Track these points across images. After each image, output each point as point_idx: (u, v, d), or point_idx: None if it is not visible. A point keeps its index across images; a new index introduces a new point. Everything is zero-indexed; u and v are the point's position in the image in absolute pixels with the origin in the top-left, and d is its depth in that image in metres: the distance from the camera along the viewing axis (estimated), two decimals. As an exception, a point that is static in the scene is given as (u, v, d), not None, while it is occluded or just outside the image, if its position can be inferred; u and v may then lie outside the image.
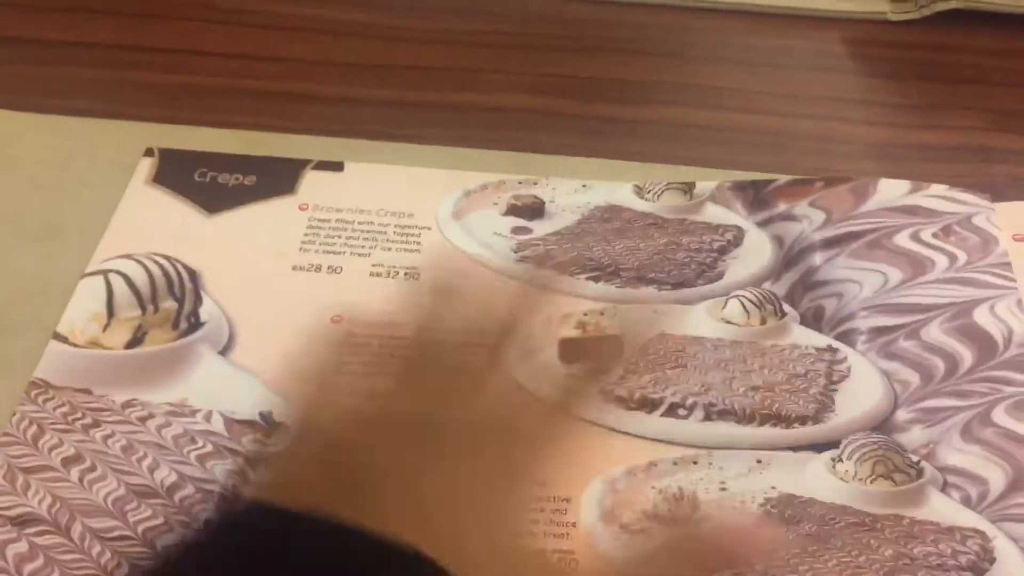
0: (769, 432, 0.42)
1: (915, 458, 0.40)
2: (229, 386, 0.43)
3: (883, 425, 0.42)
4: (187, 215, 0.49)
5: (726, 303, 0.46)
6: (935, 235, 0.48)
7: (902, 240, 0.48)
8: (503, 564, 0.30)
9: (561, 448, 0.40)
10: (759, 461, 0.41)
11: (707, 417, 0.42)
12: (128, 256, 0.47)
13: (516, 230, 0.50)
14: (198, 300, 0.46)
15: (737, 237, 0.49)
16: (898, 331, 0.45)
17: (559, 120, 0.55)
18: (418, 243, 0.49)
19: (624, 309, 0.47)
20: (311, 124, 0.54)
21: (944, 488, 0.40)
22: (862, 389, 0.43)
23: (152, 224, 0.49)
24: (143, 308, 0.45)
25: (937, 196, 0.49)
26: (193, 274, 0.46)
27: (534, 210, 0.50)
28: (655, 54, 0.59)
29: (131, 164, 0.51)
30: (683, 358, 0.45)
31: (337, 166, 0.52)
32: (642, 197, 0.51)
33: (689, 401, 0.43)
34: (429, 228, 0.49)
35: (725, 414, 0.43)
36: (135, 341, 0.44)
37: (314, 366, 0.35)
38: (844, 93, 0.57)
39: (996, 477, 0.39)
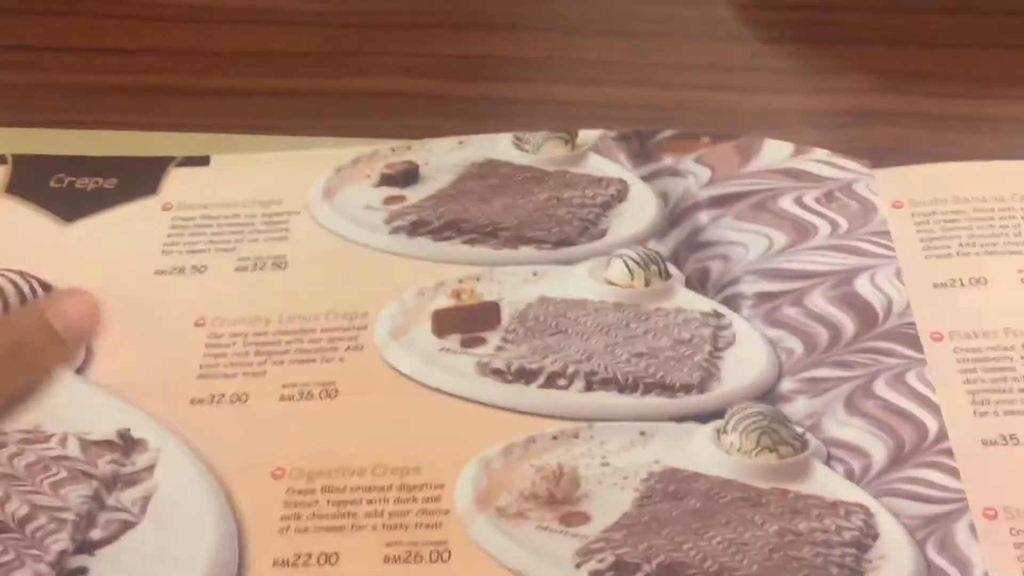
0: (653, 402, 0.40)
1: (800, 430, 0.39)
2: (85, 406, 0.41)
3: (768, 395, 0.40)
4: (42, 225, 0.47)
5: (609, 263, 0.44)
6: (817, 200, 0.47)
7: (786, 203, 0.47)
8: None
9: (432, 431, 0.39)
10: (642, 433, 0.39)
11: (588, 387, 0.40)
12: None
13: (389, 200, 0.47)
14: None
15: (621, 191, 0.47)
16: (782, 297, 0.43)
17: (440, 103, 0.53)
18: (287, 230, 0.46)
19: (501, 272, 0.44)
20: (178, 120, 0.52)
21: (828, 461, 0.39)
22: (748, 357, 0.42)
23: (6, 238, 0.47)
24: None
25: (819, 161, 0.48)
26: (48, 288, 0.44)
27: (408, 176, 0.48)
28: (539, 29, 0.58)
29: None
30: (564, 323, 0.42)
31: (203, 160, 0.49)
32: (521, 149, 0.49)
33: (569, 370, 0.41)
34: (298, 212, 0.47)
35: (607, 383, 0.40)
36: None
37: None
38: (729, 61, 0.56)
39: (878, 450, 0.39)
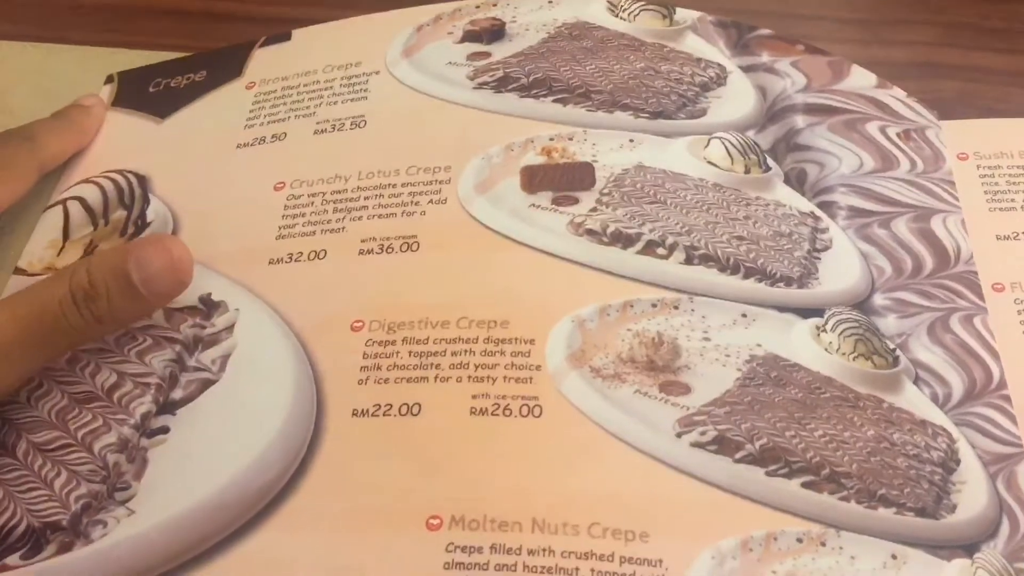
0: (754, 286, 0.40)
1: (891, 345, 0.40)
2: None
3: (862, 305, 0.41)
4: (141, 127, 0.49)
5: (709, 143, 0.44)
6: (898, 135, 0.47)
7: (873, 130, 0.47)
8: None
9: (521, 286, 0.38)
10: (744, 315, 0.39)
11: (688, 260, 0.40)
12: (85, 180, 0.47)
13: (473, 56, 0.47)
14: (146, 203, 0.45)
15: (720, 76, 0.47)
16: (873, 217, 0.44)
17: None
18: (366, 90, 0.47)
19: (595, 135, 0.44)
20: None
21: (916, 382, 0.39)
22: (844, 263, 0.42)
23: (111, 145, 0.49)
24: (95, 224, 0.45)
25: (898, 99, 0.49)
26: (142, 179, 0.46)
27: (493, 33, 0.48)
28: None
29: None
30: (662, 194, 0.42)
31: (285, 37, 0.51)
32: (616, 16, 0.48)
33: (669, 240, 0.40)
34: (377, 72, 0.48)
35: (708, 260, 0.40)
36: (86, 256, 0.44)
37: None
38: (796, 8, 0.56)
39: (956, 382, 0.39)
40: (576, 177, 0.42)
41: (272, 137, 0.46)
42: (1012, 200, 0.45)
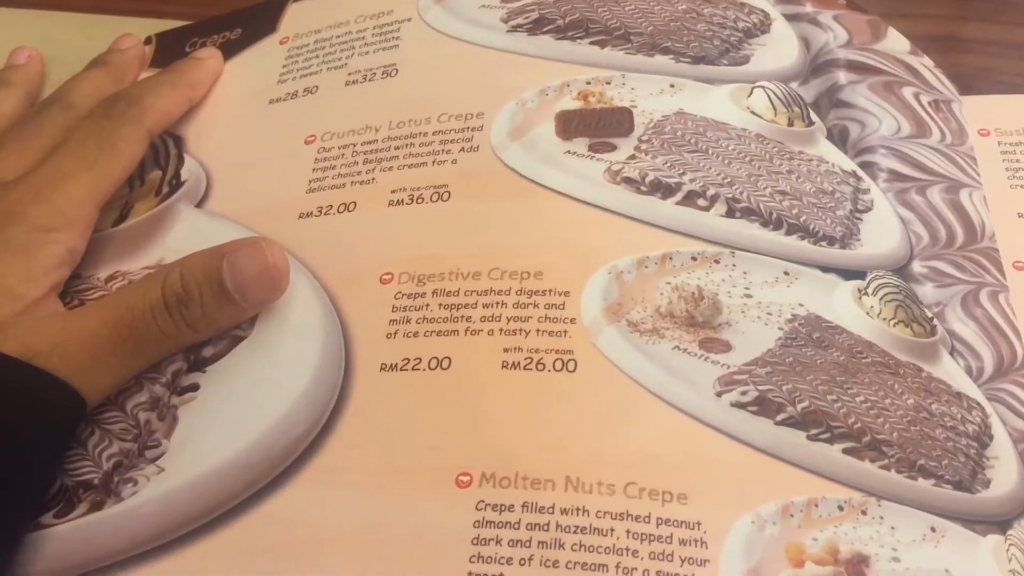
0: (797, 244, 0.39)
1: (929, 314, 0.39)
2: (202, 235, 0.41)
3: (901, 271, 0.40)
4: None
5: (752, 92, 0.43)
6: (930, 104, 0.46)
7: (908, 95, 0.46)
8: None
9: (555, 236, 0.37)
10: (787, 273, 0.38)
11: (730, 212, 0.39)
12: None
13: None
14: (180, 162, 0.45)
15: (764, 22, 0.46)
16: (911, 183, 0.43)
17: None
18: (397, 38, 0.46)
19: (634, 79, 0.42)
20: None
21: (952, 353, 0.38)
22: (884, 227, 0.41)
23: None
24: (131, 186, 0.44)
25: (928, 68, 0.48)
26: (177, 139, 0.46)
27: None
28: None
29: None
30: (703, 143, 0.41)
31: None
32: (656, -45, 0.46)
33: (710, 192, 0.39)
34: (409, 19, 0.47)
35: (750, 213, 0.39)
36: (120, 218, 0.43)
37: None
38: None
39: (988, 356, 0.38)
40: (614, 123, 0.40)
41: (304, 91, 0.45)
42: None
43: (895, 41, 0.48)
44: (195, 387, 0.37)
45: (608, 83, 0.42)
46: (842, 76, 0.45)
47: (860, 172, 0.42)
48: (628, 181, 0.39)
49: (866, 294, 0.38)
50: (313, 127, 0.44)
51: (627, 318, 0.35)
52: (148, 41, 0.51)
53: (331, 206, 0.40)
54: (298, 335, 0.37)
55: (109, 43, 0.50)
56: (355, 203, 0.40)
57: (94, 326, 0.35)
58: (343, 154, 0.42)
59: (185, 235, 0.42)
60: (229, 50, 0.49)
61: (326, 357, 0.36)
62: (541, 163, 0.39)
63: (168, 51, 0.50)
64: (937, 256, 0.41)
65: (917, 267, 0.40)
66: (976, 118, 0.46)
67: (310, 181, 0.42)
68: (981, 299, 0.40)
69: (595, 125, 0.40)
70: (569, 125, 0.41)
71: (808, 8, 0.47)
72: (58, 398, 0.34)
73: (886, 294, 0.38)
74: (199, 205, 0.43)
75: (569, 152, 0.40)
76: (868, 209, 0.41)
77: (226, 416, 0.36)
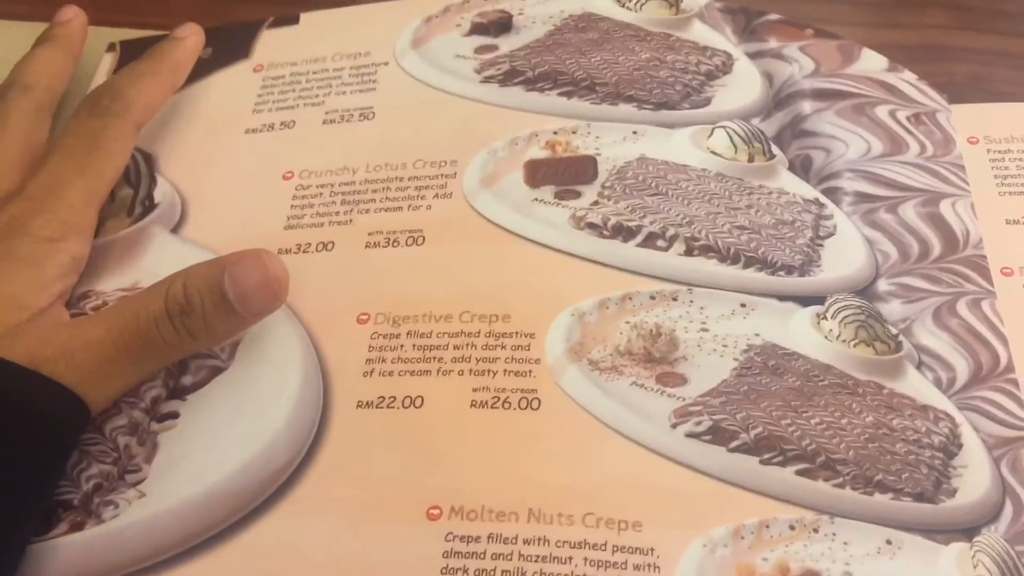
0: (754, 276, 0.40)
1: (894, 331, 0.40)
2: (178, 262, 0.41)
3: (866, 291, 0.41)
4: None
5: (712, 132, 0.44)
6: (908, 119, 0.47)
7: (882, 114, 0.47)
8: None
9: (522, 280, 0.39)
10: (743, 305, 0.39)
11: (688, 251, 0.40)
12: None
13: (480, 49, 0.48)
14: (152, 183, 0.45)
15: (726, 63, 0.47)
16: (879, 202, 0.44)
17: None
18: (374, 81, 0.47)
19: (599, 128, 0.44)
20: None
21: (919, 367, 0.39)
22: (847, 250, 0.42)
23: None
24: None
25: (909, 82, 0.49)
26: (148, 157, 0.46)
27: (501, 25, 0.48)
28: None
29: (94, 68, 0.51)
30: (664, 185, 0.42)
31: (293, 19, 0.51)
32: (623, 6, 0.49)
33: (669, 232, 0.41)
34: (386, 63, 0.48)
35: (708, 250, 0.41)
36: None
37: None
38: None
39: (961, 366, 0.39)
40: (578, 170, 0.42)
41: (281, 124, 0.46)
42: (1022, 184, 0.45)
43: (870, 62, 0.49)
44: (175, 415, 0.38)
45: (574, 132, 0.44)
46: (807, 106, 0.46)
47: (823, 199, 0.43)
48: (591, 226, 0.41)
49: (825, 318, 0.39)
50: (291, 163, 0.45)
51: (588, 357, 0.37)
52: (111, 48, 0.51)
53: (309, 244, 0.42)
54: (278, 369, 0.38)
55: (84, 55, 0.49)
56: (333, 243, 0.42)
57: (100, 334, 0.36)
58: (321, 193, 0.43)
59: (161, 260, 0.42)
60: (201, 70, 0.49)
61: (305, 393, 0.38)
62: (510, 210, 0.41)
63: (132, 60, 0.50)
64: (907, 272, 0.42)
65: (883, 285, 0.41)
66: (965, 126, 0.47)
67: (288, 218, 0.43)
68: (958, 308, 0.41)
69: (561, 173, 0.42)
70: (536, 174, 0.42)
71: (772, 44, 0.48)
72: (64, 406, 0.35)
73: (846, 316, 0.40)
74: (174, 231, 0.44)
75: (537, 200, 0.42)
76: (830, 234, 0.42)
77: (207, 445, 0.37)
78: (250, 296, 0.37)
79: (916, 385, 0.38)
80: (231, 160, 0.46)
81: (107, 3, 0.54)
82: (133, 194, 0.45)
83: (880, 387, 0.38)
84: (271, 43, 0.50)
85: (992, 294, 0.41)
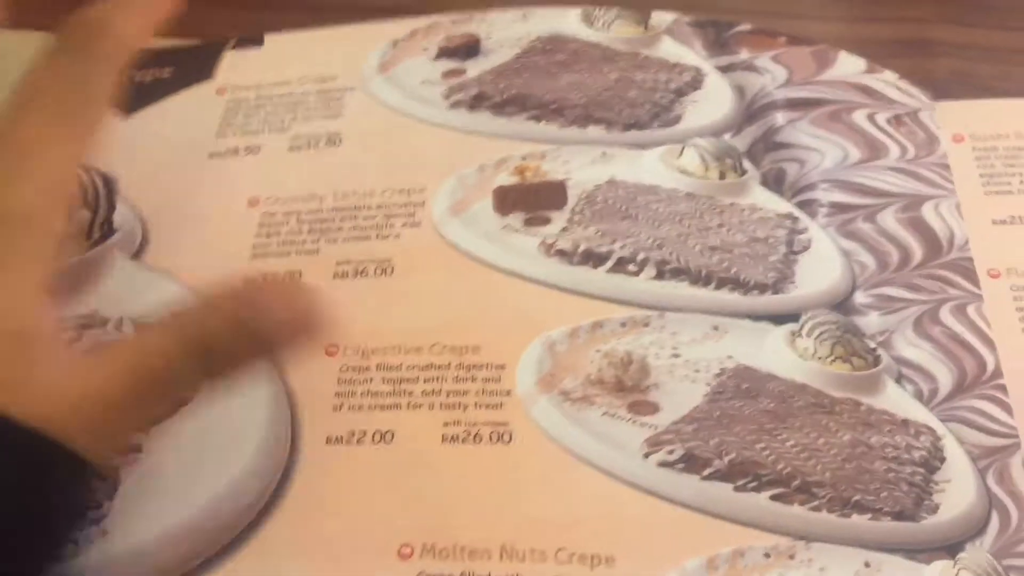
0: (726, 297, 0.39)
1: (872, 344, 0.39)
2: (140, 290, 0.41)
3: (842, 305, 0.40)
4: None
5: (682, 151, 0.43)
6: (889, 121, 0.46)
7: (860, 119, 0.46)
8: None
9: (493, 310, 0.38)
10: (715, 328, 0.39)
11: (659, 275, 0.40)
12: None
13: (448, 74, 0.47)
14: (111, 208, 0.43)
15: (696, 79, 0.46)
16: (857, 211, 0.43)
17: None
18: (341, 106, 0.46)
19: (568, 151, 0.44)
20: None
21: (899, 380, 0.38)
22: (823, 264, 0.41)
23: None
24: None
25: (889, 83, 0.47)
26: (108, 180, 0.44)
27: (468, 49, 0.47)
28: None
29: None
30: (633, 209, 0.42)
31: (257, 40, 0.50)
32: (591, 26, 0.48)
33: (640, 256, 0.40)
34: (353, 88, 0.47)
35: (679, 273, 0.40)
36: None
37: None
38: None
39: (944, 376, 0.38)
40: (547, 197, 0.42)
41: (246, 150, 0.45)
42: (1008, 183, 0.44)
43: (847, 65, 0.48)
44: (137, 448, 0.37)
45: (543, 157, 0.43)
46: (780, 117, 0.45)
47: (796, 212, 0.42)
48: (561, 253, 0.40)
49: (800, 336, 0.39)
50: (256, 189, 0.44)
51: (559, 388, 0.36)
52: None
53: (276, 274, 0.41)
54: (244, 404, 0.37)
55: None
56: (300, 272, 0.41)
57: (115, 379, 0.32)
58: (287, 221, 0.43)
59: (121, 287, 0.41)
60: (161, 90, 0.48)
61: (273, 428, 0.37)
62: (480, 239, 0.41)
63: None
64: (886, 282, 0.41)
65: (860, 298, 0.40)
66: (950, 124, 0.46)
67: (254, 246, 0.42)
68: (941, 316, 0.40)
69: (530, 200, 0.42)
70: (506, 201, 0.42)
71: (743, 55, 0.47)
72: (80, 465, 0.32)
73: (821, 332, 0.39)
74: (135, 256, 0.43)
75: (506, 227, 0.41)
76: (805, 248, 0.41)
77: (173, 481, 0.36)
78: (276, 329, 0.33)
79: (895, 399, 0.38)
80: (194, 185, 0.45)
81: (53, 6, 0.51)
82: (91, 217, 0.43)
83: (857, 404, 0.37)
84: (235, 65, 0.49)
85: (978, 297, 0.40)
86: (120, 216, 0.43)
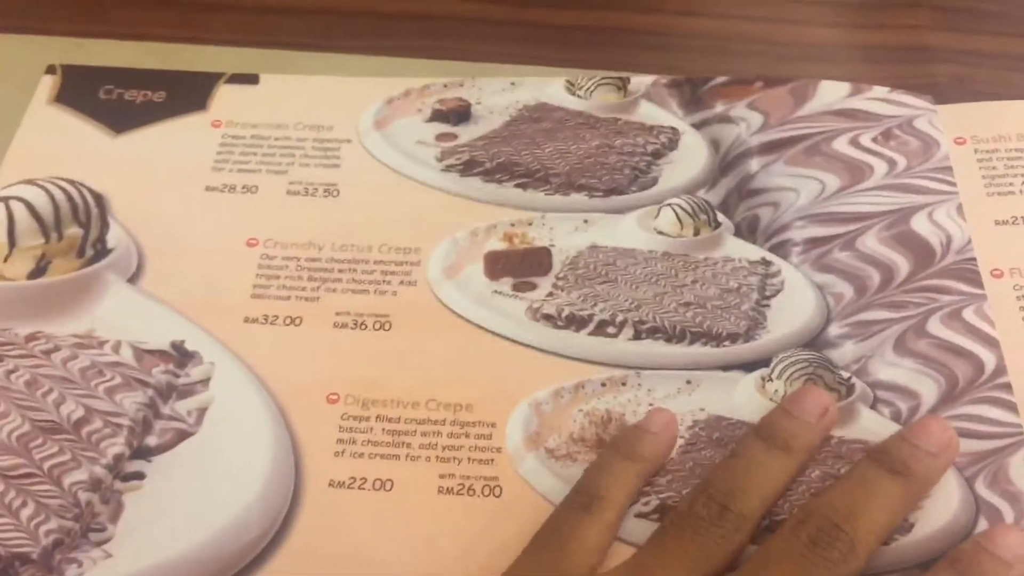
0: (699, 351, 0.41)
1: (846, 375, 0.40)
2: (138, 315, 0.42)
3: (815, 341, 0.41)
4: (92, 136, 0.48)
5: (659, 212, 0.45)
6: (875, 140, 0.47)
7: (840, 145, 0.47)
8: None
9: (484, 371, 0.40)
10: (688, 382, 0.41)
11: (636, 336, 0.42)
12: (30, 181, 0.45)
13: (441, 137, 0.48)
14: (104, 226, 0.44)
15: (672, 140, 0.48)
16: (834, 241, 0.44)
17: (491, 27, 0.53)
18: (338, 157, 0.47)
19: (552, 219, 0.45)
20: (227, 36, 0.52)
21: (875, 404, 0.39)
22: (795, 304, 0.42)
23: (55, 146, 0.47)
24: (47, 236, 0.43)
25: (878, 99, 0.48)
26: (99, 198, 0.45)
27: (460, 114, 0.49)
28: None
29: (33, 83, 0.49)
30: (613, 272, 0.44)
31: (252, 79, 0.50)
32: (574, 94, 0.49)
33: (619, 319, 0.42)
34: (349, 141, 0.48)
35: (655, 332, 0.42)
36: (38, 271, 0.43)
37: None
38: None
39: (928, 389, 0.39)
40: (534, 263, 0.44)
41: (243, 188, 0.46)
42: (1010, 184, 0.44)
43: (828, 94, 0.48)
44: (140, 475, 0.37)
45: (529, 224, 0.45)
46: (754, 164, 0.46)
47: (770, 257, 0.44)
48: (547, 318, 0.42)
49: (770, 380, 0.40)
50: (255, 230, 0.44)
51: (545, 446, 0.39)
52: (52, 70, 0.49)
53: (277, 316, 0.42)
54: (249, 440, 0.38)
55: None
56: (301, 318, 0.42)
57: None
58: (287, 265, 0.43)
59: (117, 310, 0.42)
60: (153, 114, 0.48)
61: (277, 466, 0.37)
62: (472, 303, 0.42)
63: (78, 90, 0.49)
64: (865, 307, 0.42)
65: (835, 330, 0.41)
66: (952, 127, 0.46)
67: (254, 286, 0.43)
68: (929, 328, 0.41)
69: (518, 266, 0.43)
70: (496, 266, 0.43)
71: (718, 108, 0.48)
72: None
73: (792, 373, 0.40)
74: (132, 280, 0.43)
75: (496, 292, 0.43)
76: (777, 291, 0.43)
77: (177, 510, 0.36)
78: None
79: (869, 426, 0.39)
80: (191, 217, 0.45)
81: (43, 10, 0.52)
82: (84, 235, 0.43)
83: (828, 439, 0.39)
84: (229, 100, 0.49)
85: (980, 298, 0.41)
86: (114, 237, 0.44)
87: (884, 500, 0.35)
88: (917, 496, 0.36)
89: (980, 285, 0.41)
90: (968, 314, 0.41)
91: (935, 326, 0.41)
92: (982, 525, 0.36)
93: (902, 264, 0.43)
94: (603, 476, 0.36)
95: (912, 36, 0.52)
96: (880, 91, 0.48)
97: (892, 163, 0.46)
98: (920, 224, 0.44)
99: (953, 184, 0.44)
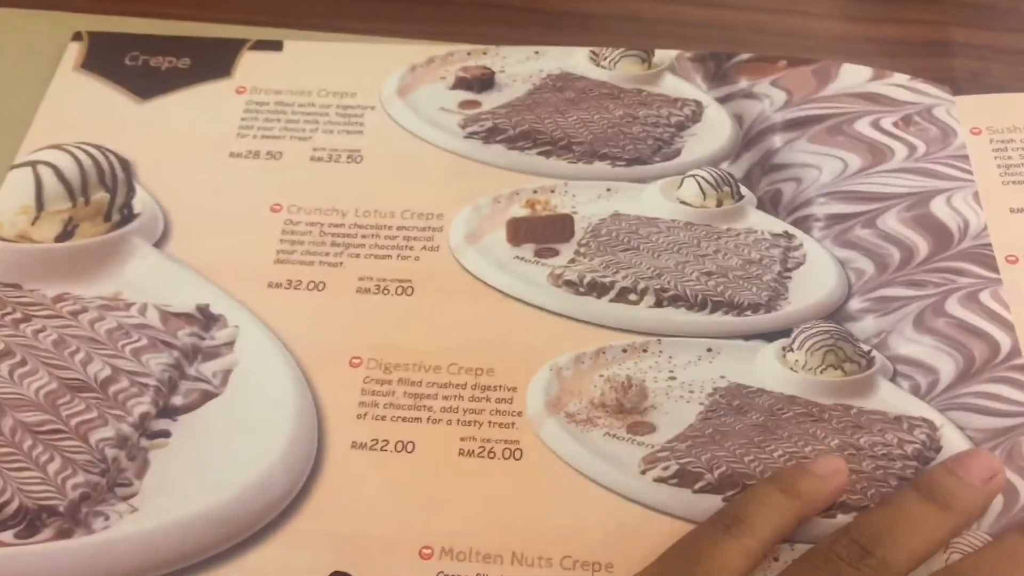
0: (721, 320, 0.41)
1: (866, 348, 0.40)
2: (164, 279, 0.42)
3: (836, 314, 0.41)
4: (118, 102, 0.48)
5: (682, 182, 0.45)
6: (895, 124, 0.46)
7: (862, 127, 0.46)
8: None
9: (505, 336, 0.39)
10: (709, 350, 0.40)
11: (658, 303, 0.41)
12: (57, 146, 0.44)
13: (464, 104, 0.48)
14: (131, 191, 0.44)
15: (696, 112, 0.47)
16: (855, 219, 0.44)
17: (511, 13, 0.52)
18: (361, 124, 0.47)
19: (575, 186, 0.45)
20: (248, 16, 0.51)
21: (894, 378, 0.39)
22: (817, 277, 0.42)
23: (81, 112, 0.47)
24: (73, 200, 0.43)
25: (898, 85, 0.48)
26: (125, 163, 0.45)
27: (483, 82, 0.48)
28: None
29: (59, 54, 0.49)
30: (636, 240, 0.43)
31: (276, 45, 0.50)
32: (598, 64, 0.49)
33: (640, 286, 0.42)
34: (373, 107, 0.47)
35: (676, 300, 0.41)
36: (66, 234, 0.43)
37: None
38: None
39: (947, 366, 0.39)
40: (556, 230, 0.43)
41: (267, 154, 0.45)
42: None
43: (850, 77, 0.48)
44: (166, 433, 0.37)
45: (552, 191, 0.44)
46: (777, 140, 0.46)
47: (792, 230, 0.43)
48: (568, 284, 0.42)
49: (791, 350, 0.40)
50: (279, 195, 0.44)
51: (565, 410, 0.38)
52: (78, 37, 0.49)
53: (300, 281, 0.42)
54: (273, 402, 0.38)
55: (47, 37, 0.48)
56: (324, 283, 0.42)
57: None
58: (310, 231, 0.43)
59: (144, 273, 0.42)
60: (178, 80, 0.48)
61: (300, 427, 0.37)
62: (494, 268, 0.42)
63: (104, 57, 0.48)
64: (886, 283, 0.41)
65: (856, 304, 0.41)
66: (967, 118, 0.46)
67: (278, 251, 0.42)
68: (947, 307, 0.40)
69: (540, 232, 0.43)
70: (518, 232, 0.43)
71: (743, 84, 0.48)
72: None
73: (812, 344, 0.40)
74: (158, 244, 0.43)
75: (518, 258, 0.43)
76: (799, 264, 0.42)
77: (203, 468, 0.36)
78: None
79: (888, 398, 0.39)
80: (216, 182, 0.45)
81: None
82: (110, 199, 0.43)
83: (848, 408, 0.38)
84: (253, 66, 0.48)
85: (996, 282, 0.41)
86: (140, 202, 0.44)
87: (922, 528, 0.34)
88: (957, 528, 0.35)
89: (996, 270, 0.41)
90: (985, 297, 0.41)
91: (953, 306, 0.41)
92: (998, 503, 0.35)
93: (921, 245, 0.43)
94: (752, 503, 0.35)
95: (930, 31, 0.52)
96: (901, 78, 0.48)
97: (912, 148, 0.46)
98: (939, 208, 0.43)
99: (970, 172, 0.44)
